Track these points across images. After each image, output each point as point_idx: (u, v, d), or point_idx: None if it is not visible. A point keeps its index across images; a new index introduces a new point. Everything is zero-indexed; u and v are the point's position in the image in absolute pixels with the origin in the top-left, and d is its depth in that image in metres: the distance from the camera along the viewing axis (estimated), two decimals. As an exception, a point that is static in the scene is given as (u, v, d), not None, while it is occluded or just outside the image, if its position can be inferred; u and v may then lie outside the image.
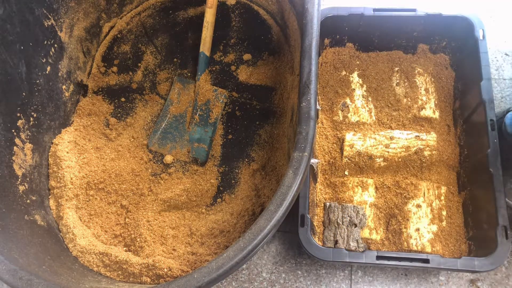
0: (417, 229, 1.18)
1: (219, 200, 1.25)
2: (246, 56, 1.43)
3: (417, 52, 1.40)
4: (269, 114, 1.34)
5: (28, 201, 1.09)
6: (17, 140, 1.09)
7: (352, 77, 1.39)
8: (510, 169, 1.32)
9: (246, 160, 1.30)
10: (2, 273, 0.81)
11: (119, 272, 1.04)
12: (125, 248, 1.14)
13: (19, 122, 1.11)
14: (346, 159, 1.28)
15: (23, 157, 1.11)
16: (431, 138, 1.28)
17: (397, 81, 1.37)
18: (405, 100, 1.34)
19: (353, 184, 1.25)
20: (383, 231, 1.20)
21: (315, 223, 1.21)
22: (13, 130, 1.08)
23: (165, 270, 1.01)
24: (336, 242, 1.18)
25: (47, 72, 1.21)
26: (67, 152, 1.23)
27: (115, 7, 1.46)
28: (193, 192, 1.24)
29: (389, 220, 1.21)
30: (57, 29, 1.24)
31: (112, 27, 1.48)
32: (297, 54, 1.13)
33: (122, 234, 1.17)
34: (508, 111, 1.27)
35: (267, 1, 1.45)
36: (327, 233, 1.19)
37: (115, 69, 1.43)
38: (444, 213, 1.20)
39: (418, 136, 1.29)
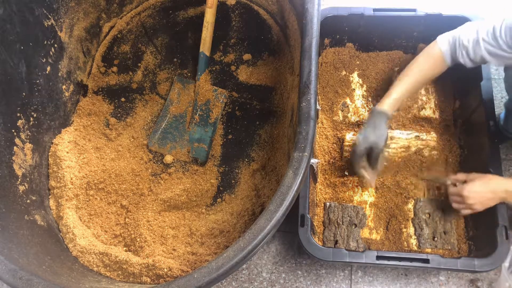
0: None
1: (219, 200, 1.25)
2: (246, 56, 1.43)
3: (417, 52, 1.40)
4: (269, 114, 1.34)
5: (28, 201, 1.09)
6: (17, 140, 1.09)
7: (352, 77, 1.40)
8: (510, 169, 1.32)
9: (246, 160, 1.30)
10: (2, 273, 0.81)
11: (119, 272, 1.04)
12: (125, 248, 1.14)
13: (19, 122, 1.11)
14: (346, 159, 1.28)
15: (23, 157, 1.11)
16: (431, 138, 1.28)
17: (397, 81, 1.37)
18: (405, 100, 1.34)
19: (353, 184, 1.25)
20: (383, 231, 1.20)
21: (315, 223, 1.21)
22: (13, 130, 1.08)
23: (165, 270, 1.01)
24: (336, 242, 1.18)
25: (47, 72, 1.21)
26: (67, 152, 1.23)
27: (115, 7, 1.46)
28: (193, 192, 1.24)
29: (389, 220, 1.21)
30: (57, 29, 1.24)
31: (112, 27, 1.48)
32: (297, 54, 1.13)
33: (122, 234, 1.17)
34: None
35: (267, 1, 1.45)
36: (327, 233, 1.19)
37: (115, 69, 1.43)
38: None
39: (418, 136, 1.28)
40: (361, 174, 1.12)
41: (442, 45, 1.05)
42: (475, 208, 1.05)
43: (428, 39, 1.36)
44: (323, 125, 1.33)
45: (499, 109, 1.33)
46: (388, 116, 1.07)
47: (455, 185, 1.12)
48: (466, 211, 1.08)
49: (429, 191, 1.23)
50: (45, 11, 1.19)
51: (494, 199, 1.03)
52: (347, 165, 1.26)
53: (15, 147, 1.08)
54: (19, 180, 1.08)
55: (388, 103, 1.07)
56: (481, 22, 1.01)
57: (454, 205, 1.10)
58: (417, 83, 1.08)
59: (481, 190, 1.04)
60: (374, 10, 1.29)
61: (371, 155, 1.09)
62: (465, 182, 1.09)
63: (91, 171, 1.23)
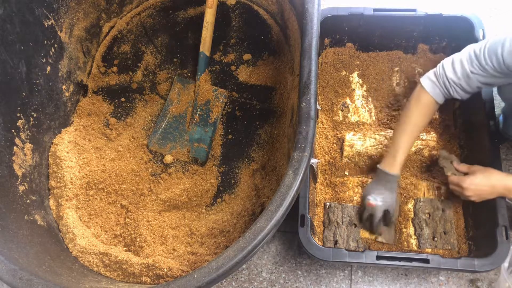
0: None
1: (219, 200, 1.25)
2: (246, 56, 1.43)
3: (417, 52, 1.40)
4: (269, 114, 1.34)
5: (28, 201, 1.09)
6: (17, 140, 1.09)
7: (352, 77, 1.40)
8: (510, 169, 1.32)
9: (246, 160, 1.30)
10: (2, 273, 0.81)
11: (119, 272, 1.04)
12: (125, 248, 1.14)
13: (19, 122, 1.11)
14: (346, 159, 1.28)
15: (23, 157, 1.11)
16: (431, 138, 1.28)
17: (397, 81, 1.37)
18: (405, 100, 1.34)
19: (353, 184, 1.25)
20: (383, 231, 1.20)
21: (315, 223, 1.21)
22: (13, 130, 1.08)
23: (165, 270, 1.01)
24: (336, 242, 1.18)
25: (47, 72, 1.21)
26: (67, 152, 1.23)
27: (115, 7, 1.46)
28: (193, 192, 1.24)
29: (389, 220, 1.21)
30: (57, 29, 1.24)
31: (112, 27, 1.48)
32: (297, 54, 1.13)
33: (122, 234, 1.17)
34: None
35: (267, 1, 1.45)
36: (327, 233, 1.19)
37: (115, 69, 1.43)
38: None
39: (418, 136, 1.28)
40: (382, 238, 1.17)
41: (428, 87, 1.06)
42: (472, 200, 1.07)
43: (428, 39, 1.37)
44: (323, 125, 1.33)
45: (499, 110, 1.33)
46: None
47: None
48: (463, 198, 1.11)
49: (429, 191, 1.23)
50: (45, 11, 1.19)
51: (493, 193, 1.05)
52: (364, 227, 1.21)
53: (15, 147, 1.08)
54: (19, 180, 1.08)
55: (399, 165, 1.10)
56: (459, 54, 1.01)
57: (454, 192, 1.13)
58: (417, 134, 1.11)
59: (481, 184, 1.05)
60: (374, 10, 1.29)
61: (386, 215, 1.14)
62: (466, 174, 1.10)
63: (91, 171, 1.23)
